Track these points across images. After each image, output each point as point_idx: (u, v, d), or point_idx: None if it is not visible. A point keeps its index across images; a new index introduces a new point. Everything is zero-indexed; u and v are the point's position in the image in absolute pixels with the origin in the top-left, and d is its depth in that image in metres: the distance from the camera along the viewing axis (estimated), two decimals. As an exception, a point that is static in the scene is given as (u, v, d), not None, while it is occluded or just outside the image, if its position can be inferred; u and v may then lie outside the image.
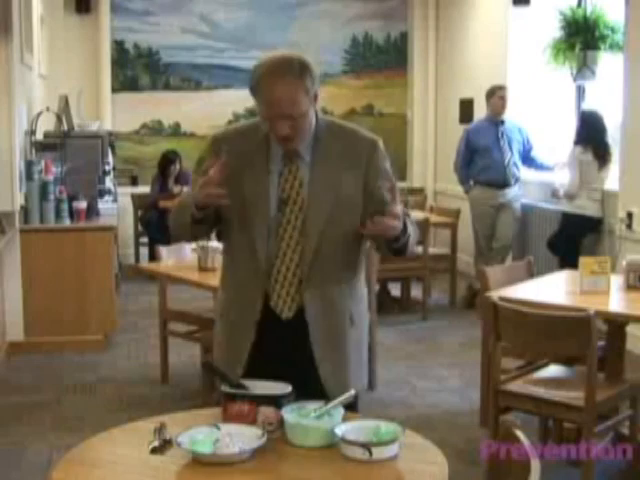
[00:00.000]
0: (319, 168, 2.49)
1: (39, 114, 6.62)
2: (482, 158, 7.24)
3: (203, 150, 2.63)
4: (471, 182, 7.41)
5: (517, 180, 7.28)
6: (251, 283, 2.52)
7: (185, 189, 8.79)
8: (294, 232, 2.48)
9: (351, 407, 2.40)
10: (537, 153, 7.39)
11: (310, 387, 2.43)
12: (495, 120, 7.24)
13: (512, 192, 7.27)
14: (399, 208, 2.38)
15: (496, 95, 7.21)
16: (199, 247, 4.88)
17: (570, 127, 6.77)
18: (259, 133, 2.52)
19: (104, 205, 6.89)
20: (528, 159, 7.37)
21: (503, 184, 7.22)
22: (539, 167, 7.40)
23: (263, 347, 2.53)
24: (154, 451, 2.12)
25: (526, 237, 7.44)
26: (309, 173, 2.49)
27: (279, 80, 2.37)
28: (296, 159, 2.50)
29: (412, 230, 2.51)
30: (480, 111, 8.50)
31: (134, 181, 9.41)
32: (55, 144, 6.50)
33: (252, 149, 2.52)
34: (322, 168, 2.49)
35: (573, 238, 6.52)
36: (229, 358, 2.56)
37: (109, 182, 7.51)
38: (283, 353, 2.50)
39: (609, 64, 6.80)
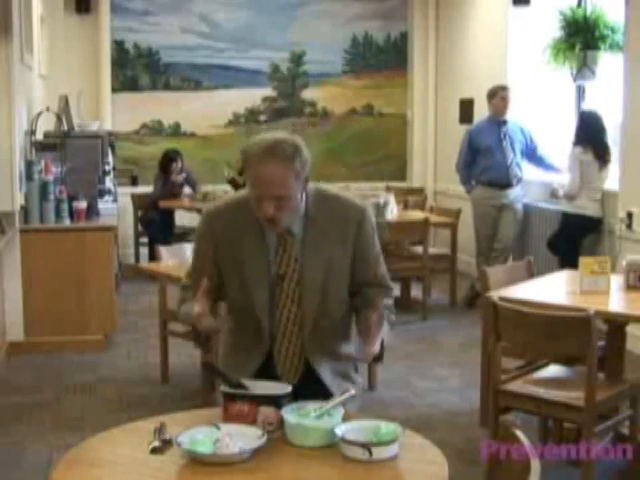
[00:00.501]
0: (311, 244, 2.58)
1: (39, 114, 6.62)
2: (484, 158, 7.24)
3: (200, 226, 2.70)
4: (473, 182, 7.40)
5: (519, 181, 7.28)
6: (255, 352, 2.63)
7: (187, 189, 8.80)
8: (292, 306, 2.58)
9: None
10: (544, 152, 7.36)
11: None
12: (497, 120, 7.24)
13: (514, 193, 7.27)
14: (374, 348, 2.47)
15: (498, 96, 7.20)
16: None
17: (570, 127, 6.77)
18: (252, 208, 2.56)
19: (104, 205, 6.89)
20: (535, 158, 7.35)
21: (505, 184, 7.22)
22: (547, 167, 7.36)
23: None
24: (154, 451, 2.12)
25: (526, 237, 7.44)
26: (301, 249, 2.57)
27: (270, 160, 2.42)
28: (289, 237, 2.57)
29: (386, 332, 2.61)
30: (480, 111, 8.50)
31: (134, 181, 9.40)
32: (55, 144, 6.50)
33: (246, 223, 2.58)
34: (314, 244, 2.58)
35: (573, 238, 6.52)
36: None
37: (109, 182, 7.50)
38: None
39: (609, 64, 6.80)
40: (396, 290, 7.51)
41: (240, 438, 2.12)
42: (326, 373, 2.63)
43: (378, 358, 2.54)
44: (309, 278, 2.57)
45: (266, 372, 2.59)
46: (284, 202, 2.45)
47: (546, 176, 7.43)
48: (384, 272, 2.76)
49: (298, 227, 2.58)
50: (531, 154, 7.32)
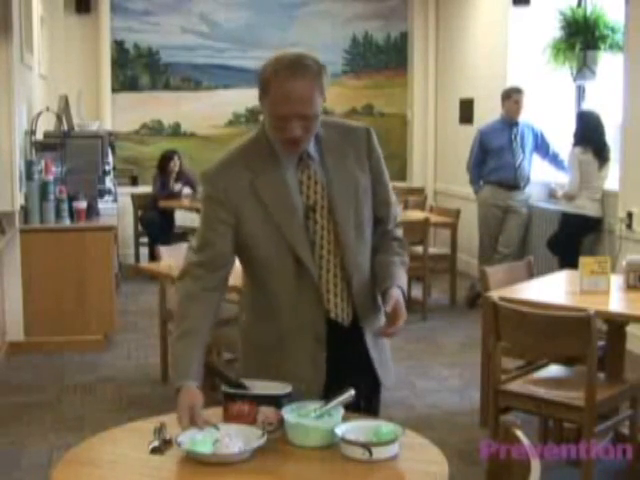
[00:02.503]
0: (332, 167, 2.43)
1: (39, 114, 6.62)
2: (494, 159, 7.23)
3: (204, 190, 2.45)
4: (481, 182, 7.39)
5: (527, 183, 7.25)
6: (307, 299, 2.42)
7: (186, 190, 8.80)
8: (330, 236, 2.41)
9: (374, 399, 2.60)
10: (556, 150, 7.32)
11: (368, 385, 2.56)
12: (509, 122, 7.23)
13: (521, 195, 7.25)
14: (401, 320, 2.38)
15: (512, 99, 7.18)
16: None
17: (570, 127, 6.77)
18: (262, 147, 2.41)
19: (104, 205, 6.90)
20: (549, 157, 7.33)
21: (513, 185, 7.21)
22: (559, 165, 7.32)
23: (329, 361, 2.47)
24: (154, 451, 2.12)
25: (526, 237, 7.43)
26: (325, 173, 2.42)
27: (299, 77, 2.26)
28: (310, 163, 2.40)
29: (404, 280, 2.51)
30: (480, 111, 8.51)
31: (134, 181, 9.41)
32: (55, 144, 6.50)
33: (261, 164, 2.39)
34: (334, 167, 2.43)
35: (573, 238, 6.52)
36: (308, 385, 2.42)
37: (109, 182, 7.51)
38: (344, 361, 2.47)
39: (609, 64, 6.80)
40: (396, 290, 7.53)
41: (240, 438, 2.12)
42: (365, 316, 2.49)
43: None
44: (340, 202, 2.40)
45: (320, 320, 2.43)
46: (310, 122, 2.30)
47: (546, 176, 7.43)
48: (395, 198, 2.63)
49: (314, 150, 2.41)
50: (544, 153, 7.32)
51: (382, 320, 2.50)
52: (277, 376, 2.36)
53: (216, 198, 2.38)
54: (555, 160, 7.34)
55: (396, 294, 2.40)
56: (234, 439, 2.10)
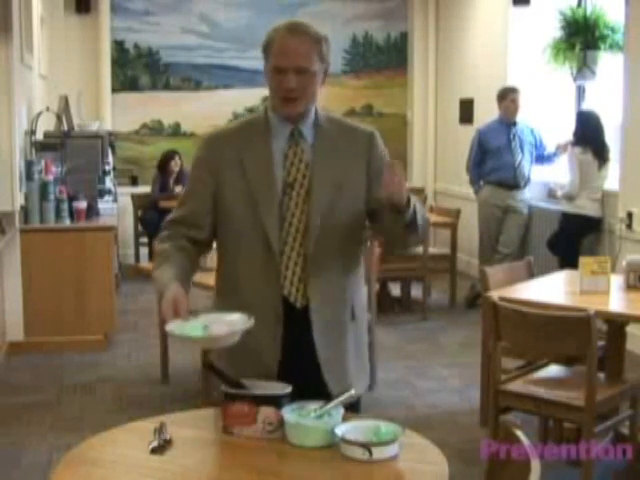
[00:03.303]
0: (322, 152, 2.48)
1: (39, 114, 6.62)
2: (493, 159, 7.23)
3: (198, 153, 2.57)
4: (481, 183, 7.39)
5: (527, 182, 7.26)
6: (266, 275, 2.46)
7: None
8: (302, 215, 2.45)
9: (352, 407, 2.41)
10: (551, 154, 7.37)
11: (310, 378, 2.44)
12: (507, 122, 7.23)
13: (521, 195, 7.25)
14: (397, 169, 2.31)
15: (508, 98, 7.19)
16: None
17: (570, 127, 6.77)
18: (257, 121, 2.52)
19: (104, 205, 6.89)
20: (541, 159, 7.37)
21: (513, 185, 7.21)
22: (551, 160, 7.38)
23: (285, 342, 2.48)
24: (154, 451, 2.12)
25: (526, 237, 7.43)
26: (313, 156, 2.47)
27: (297, 35, 2.41)
28: (300, 140, 2.47)
29: (418, 207, 2.44)
30: (480, 111, 8.51)
31: (134, 181, 9.41)
32: (55, 144, 6.50)
33: (251, 138, 2.50)
34: (325, 152, 2.48)
35: (573, 238, 6.52)
36: (260, 362, 2.45)
37: (109, 182, 7.51)
38: (291, 345, 2.47)
39: (609, 64, 6.80)
40: (396, 290, 7.53)
41: (226, 325, 2.20)
42: (320, 295, 2.47)
43: (409, 225, 2.38)
44: (318, 184, 2.44)
45: (275, 293, 2.45)
46: (306, 78, 2.39)
47: (546, 176, 7.43)
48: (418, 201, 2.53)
49: (309, 133, 2.48)
50: (539, 155, 7.34)
51: (339, 316, 2.51)
52: (240, 353, 2.40)
53: (203, 160, 2.52)
54: (546, 159, 7.37)
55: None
56: (221, 326, 2.18)
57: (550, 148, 7.37)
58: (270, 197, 2.44)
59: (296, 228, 2.45)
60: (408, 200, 2.35)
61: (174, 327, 2.19)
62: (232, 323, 2.25)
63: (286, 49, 2.39)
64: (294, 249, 2.45)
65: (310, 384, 2.38)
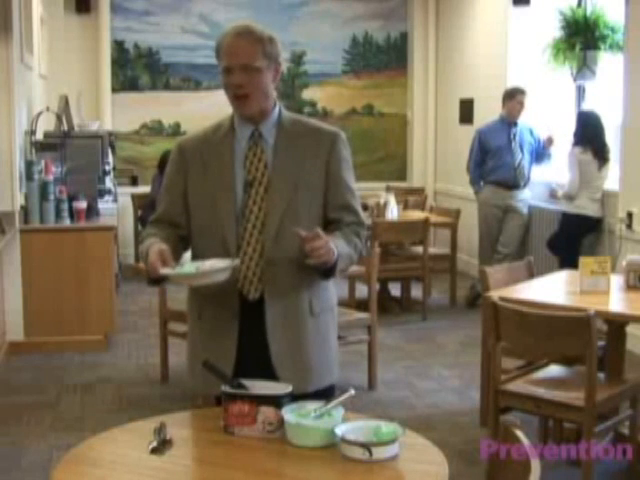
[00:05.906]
0: (282, 152, 2.59)
1: (39, 114, 6.62)
2: (493, 159, 7.24)
3: (171, 156, 2.77)
4: (482, 183, 7.39)
5: (527, 183, 7.26)
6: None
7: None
8: (260, 213, 2.56)
9: (325, 394, 2.51)
10: (555, 152, 7.39)
11: (261, 368, 2.52)
12: (508, 122, 7.23)
13: (521, 195, 7.26)
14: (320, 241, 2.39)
15: (516, 99, 7.18)
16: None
17: (570, 127, 6.77)
18: (225, 124, 2.66)
19: (104, 205, 6.89)
20: (539, 159, 7.37)
21: (513, 185, 7.21)
22: (546, 158, 7.39)
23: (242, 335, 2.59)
24: (154, 451, 2.12)
25: (526, 237, 7.44)
26: (272, 156, 2.58)
27: (241, 36, 2.54)
28: (260, 141, 2.59)
29: (346, 252, 2.53)
30: (480, 111, 8.51)
31: (134, 181, 9.39)
32: (55, 144, 6.50)
33: (216, 141, 2.65)
34: (285, 152, 2.59)
35: (573, 238, 6.52)
36: (218, 355, 2.55)
37: (109, 182, 7.50)
38: (247, 338, 2.56)
39: (609, 64, 6.80)
40: (396, 290, 7.53)
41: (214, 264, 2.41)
42: (271, 295, 2.55)
43: (328, 271, 2.48)
44: (277, 183, 2.55)
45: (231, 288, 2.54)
46: (252, 74, 2.51)
47: (546, 176, 7.43)
48: (358, 207, 2.70)
49: (270, 134, 2.60)
50: (539, 157, 7.34)
51: (296, 311, 2.58)
52: (200, 347, 2.63)
53: (173, 162, 2.73)
54: (539, 157, 7.38)
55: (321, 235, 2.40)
56: (212, 264, 2.40)
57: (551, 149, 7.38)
58: (228, 195, 2.57)
59: (253, 225, 2.56)
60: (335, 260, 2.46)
61: (168, 270, 2.36)
62: (220, 263, 2.43)
63: (232, 49, 2.53)
64: (250, 244, 2.56)
65: (265, 377, 2.44)
